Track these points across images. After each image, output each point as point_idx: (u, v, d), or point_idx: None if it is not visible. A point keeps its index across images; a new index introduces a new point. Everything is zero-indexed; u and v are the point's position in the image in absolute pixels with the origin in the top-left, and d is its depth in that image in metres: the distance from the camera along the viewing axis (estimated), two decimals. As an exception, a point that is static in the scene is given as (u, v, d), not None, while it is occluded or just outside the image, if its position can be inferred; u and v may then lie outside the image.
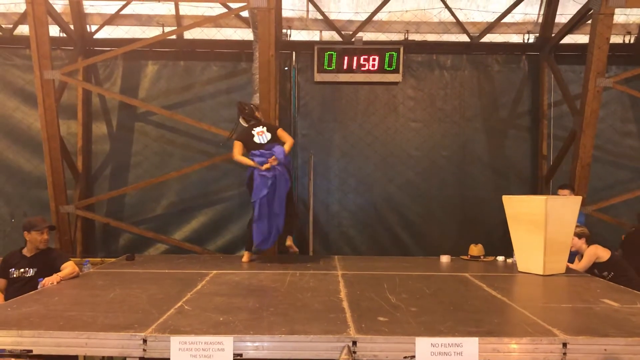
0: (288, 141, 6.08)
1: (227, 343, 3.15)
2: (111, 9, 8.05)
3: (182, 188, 8.31)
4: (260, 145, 6.02)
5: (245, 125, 6.33)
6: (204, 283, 4.82)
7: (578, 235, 5.70)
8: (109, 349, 3.25)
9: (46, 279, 4.73)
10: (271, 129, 6.16)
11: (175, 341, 3.16)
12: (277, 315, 3.70)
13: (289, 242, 6.37)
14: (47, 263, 5.03)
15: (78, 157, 8.19)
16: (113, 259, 6.60)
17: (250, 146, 6.07)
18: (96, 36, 8.21)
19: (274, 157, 5.83)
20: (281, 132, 6.16)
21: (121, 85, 8.34)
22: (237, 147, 6.09)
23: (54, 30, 7.79)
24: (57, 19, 7.62)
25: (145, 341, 3.19)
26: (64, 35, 8.01)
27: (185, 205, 8.33)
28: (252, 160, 5.95)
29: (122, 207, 8.33)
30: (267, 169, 5.80)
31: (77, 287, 4.64)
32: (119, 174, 8.34)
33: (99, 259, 7.24)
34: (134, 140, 8.33)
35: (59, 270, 4.92)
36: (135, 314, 3.69)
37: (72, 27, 8.01)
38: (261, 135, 6.08)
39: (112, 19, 8.14)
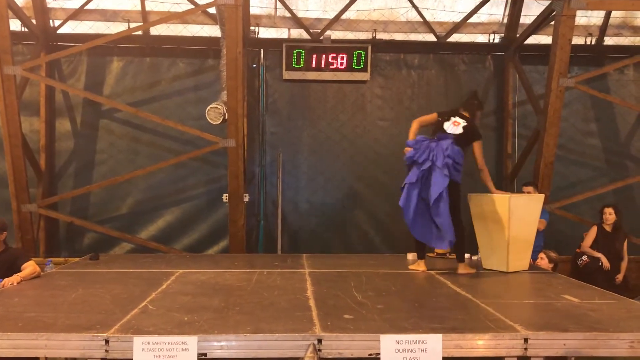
0: (478, 160, 5.48)
1: (191, 343, 3.12)
2: (75, 3, 7.90)
3: (148, 186, 8.21)
4: (443, 132, 5.40)
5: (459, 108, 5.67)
6: (169, 282, 4.77)
7: (550, 259, 5.79)
8: (70, 350, 3.18)
9: (6, 279, 4.61)
10: (468, 133, 5.41)
11: (138, 341, 3.11)
12: (243, 314, 3.68)
13: (460, 270, 5.43)
14: (6, 263, 4.89)
15: (41, 155, 8.02)
16: (77, 259, 6.47)
17: (437, 126, 5.50)
18: (59, 31, 8.04)
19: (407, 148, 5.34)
20: (476, 146, 5.46)
21: (85, 82, 8.19)
22: (431, 116, 5.57)
23: (15, 25, 7.60)
24: (18, 13, 7.43)
25: (107, 342, 3.13)
26: (26, 29, 7.81)
27: (152, 203, 8.23)
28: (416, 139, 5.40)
29: (87, 206, 8.19)
30: (413, 158, 5.27)
31: (38, 288, 4.54)
32: (83, 172, 8.20)
33: (63, 259, 7.08)
34: (99, 138, 8.20)
35: (19, 271, 4.79)
36: (97, 315, 3.62)
37: (34, 21, 7.82)
38: (455, 125, 5.41)
39: (76, 14, 7.98)
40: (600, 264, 6.59)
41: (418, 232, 5.40)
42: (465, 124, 5.44)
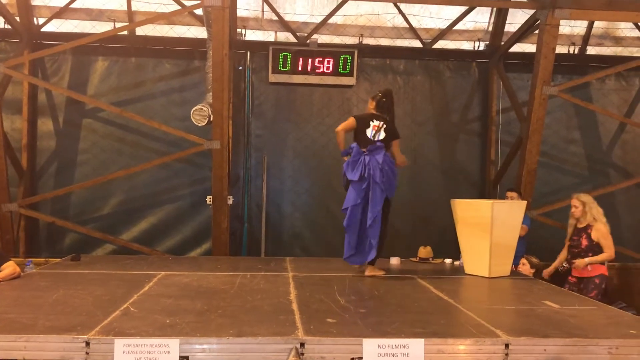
0: (398, 158, 5.54)
1: (172, 345, 3.10)
2: (60, 1, 7.82)
3: (131, 187, 8.13)
4: (365, 140, 5.38)
5: (372, 111, 5.57)
6: (151, 284, 4.74)
7: (532, 264, 5.85)
8: (50, 352, 3.14)
9: (-16, 280, 4.56)
10: (390, 134, 5.46)
11: (120, 344, 3.09)
12: (226, 317, 3.67)
13: (369, 272, 5.45)
14: (-15, 263, 4.83)
15: (22, 154, 7.91)
16: (58, 259, 6.41)
17: (359, 133, 5.43)
18: (44, 29, 7.95)
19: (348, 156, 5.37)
20: (395, 145, 5.54)
21: (69, 81, 8.11)
22: (349, 123, 5.44)
23: (-2, 22, 7.53)
24: (2, 10, 7.35)
25: (87, 344, 3.10)
26: (9, 27, 7.73)
27: (134, 204, 8.16)
28: (351, 150, 5.39)
29: (68, 206, 8.10)
30: (360, 179, 5.26)
31: (18, 289, 4.48)
32: (65, 171, 8.11)
33: (43, 259, 7.00)
34: (82, 138, 8.12)
35: (-2, 271, 4.74)
36: (78, 316, 3.59)
37: (18, 19, 7.73)
38: (376, 130, 5.38)
39: (61, 12, 7.90)
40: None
41: (351, 253, 5.50)
42: (384, 125, 5.44)
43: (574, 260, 5.88)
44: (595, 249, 5.83)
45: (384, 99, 5.58)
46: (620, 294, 7.25)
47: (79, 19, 7.96)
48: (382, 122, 5.45)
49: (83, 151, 8.13)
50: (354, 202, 5.28)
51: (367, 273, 5.44)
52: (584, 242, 5.88)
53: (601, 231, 5.84)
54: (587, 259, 5.79)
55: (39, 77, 8.02)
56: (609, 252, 5.81)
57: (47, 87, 7.86)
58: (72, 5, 7.84)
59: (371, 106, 5.62)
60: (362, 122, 5.44)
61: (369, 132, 5.40)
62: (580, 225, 6.01)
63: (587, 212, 5.92)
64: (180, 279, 5.06)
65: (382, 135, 5.42)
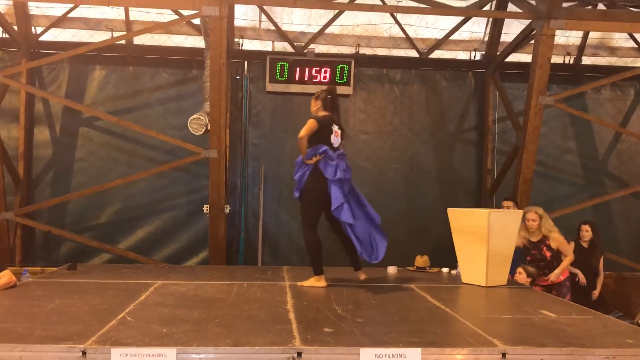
0: None
1: (169, 355, 3.09)
2: (58, 11, 7.85)
3: (128, 196, 8.13)
4: (331, 146, 5.13)
5: (323, 113, 5.23)
6: (148, 294, 4.72)
7: (528, 273, 5.88)
8: (46, 362, 3.14)
9: (-20, 289, 4.54)
10: (342, 138, 5.31)
11: (116, 353, 3.07)
12: (222, 326, 3.66)
13: (364, 276, 5.49)
14: (-19, 273, 4.82)
15: (19, 163, 7.91)
16: (54, 269, 6.38)
17: (320, 138, 5.09)
18: (42, 38, 7.98)
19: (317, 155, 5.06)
20: None
21: (67, 90, 8.14)
22: (312, 126, 5.03)
23: (-4, 31, 7.55)
24: (0, 19, 7.37)
25: (84, 353, 3.08)
26: (7, 36, 7.76)
27: (131, 213, 8.16)
28: (321, 153, 5.05)
29: (65, 215, 8.09)
30: (343, 181, 5.11)
31: (14, 298, 4.46)
32: (61, 180, 8.11)
33: (39, 268, 6.99)
34: (78, 146, 8.13)
35: (-6, 280, 4.72)
36: (74, 325, 3.57)
37: (16, 28, 7.75)
38: (337, 137, 5.19)
39: (59, 22, 7.93)
40: (577, 279, 6.67)
41: (364, 246, 5.33)
42: (340, 131, 5.30)
43: (547, 277, 6.03)
44: (558, 257, 6.10)
45: (329, 96, 5.28)
46: (617, 303, 7.27)
47: (77, 28, 8.00)
48: (338, 127, 5.29)
49: (80, 160, 8.14)
50: (343, 199, 5.15)
51: (362, 277, 5.45)
52: (548, 253, 6.07)
53: (559, 239, 6.10)
54: (557, 270, 6.02)
55: (37, 86, 8.04)
56: (570, 255, 6.17)
57: (45, 96, 7.87)
58: (70, 15, 7.87)
59: (316, 106, 5.27)
60: (324, 126, 5.13)
61: (333, 139, 5.17)
62: (534, 239, 6.15)
63: (542, 225, 6.11)
64: (177, 288, 5.04)
65: (340, 139, 5.29)
